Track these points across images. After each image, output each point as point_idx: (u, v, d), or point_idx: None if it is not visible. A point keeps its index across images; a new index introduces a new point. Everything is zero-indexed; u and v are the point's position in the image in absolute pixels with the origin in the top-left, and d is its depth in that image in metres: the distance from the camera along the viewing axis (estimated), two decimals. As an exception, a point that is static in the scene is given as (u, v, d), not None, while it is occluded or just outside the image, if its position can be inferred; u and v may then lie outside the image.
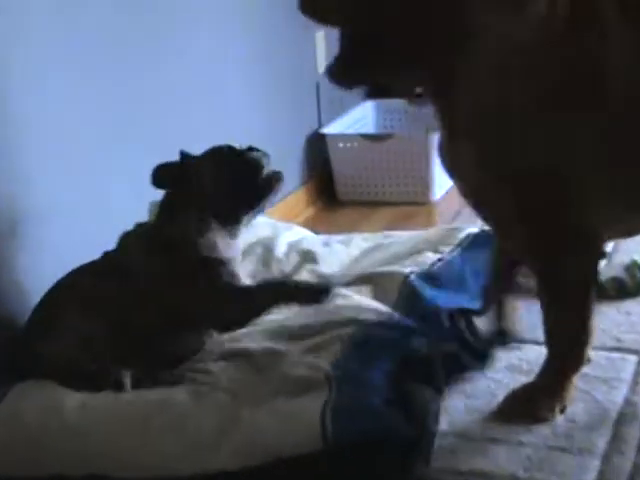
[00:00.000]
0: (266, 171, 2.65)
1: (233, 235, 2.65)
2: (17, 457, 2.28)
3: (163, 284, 2.53)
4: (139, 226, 2.67)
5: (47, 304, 2.56)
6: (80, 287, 2.54)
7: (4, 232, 2.64)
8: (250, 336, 2.66)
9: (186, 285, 2.53)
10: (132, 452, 2.22)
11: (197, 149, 3.32)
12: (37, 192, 2.73)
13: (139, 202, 2.93)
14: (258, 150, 2.69)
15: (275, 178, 2.66)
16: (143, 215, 2.81)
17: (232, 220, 2.64)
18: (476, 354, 2.65)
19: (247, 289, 2.60)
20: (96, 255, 2.60)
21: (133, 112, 3.10)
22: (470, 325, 2.71)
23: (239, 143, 2.69)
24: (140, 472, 2.21)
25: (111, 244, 2.61)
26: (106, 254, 2.63)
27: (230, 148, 2.68)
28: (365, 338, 2.52)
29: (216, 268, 2.56)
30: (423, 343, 2.53)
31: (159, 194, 2.63)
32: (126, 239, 2.64)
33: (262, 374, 2.44)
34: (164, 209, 2.64)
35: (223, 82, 3.54)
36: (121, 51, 3.03)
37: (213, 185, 2.61)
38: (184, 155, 2.66)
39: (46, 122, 2.73)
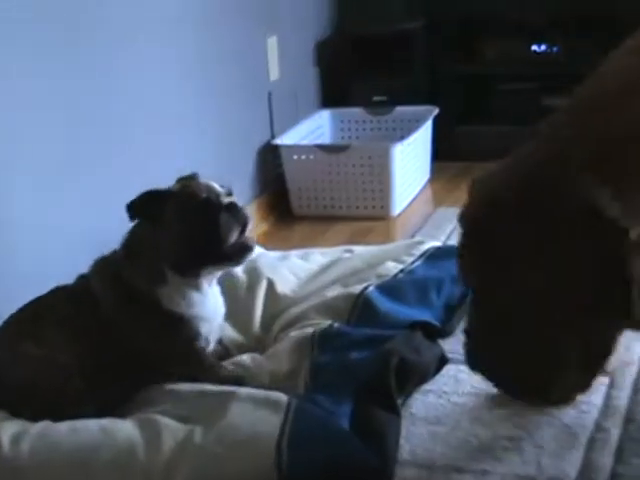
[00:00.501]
0: (238, 238, 2.51)
1: (199, 289, 2.55)
2: None
3: (124, 326, 2.50)
4: (111, 255, 2.59)
5: (18, 322, 2.54)
6: (54, 310, 2.52)
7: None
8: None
9: (144, 333, 2.51)
10: None
11: (150, 156, 3.38)
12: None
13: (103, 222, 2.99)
14: (235, 207, 2.52)
15: (245, 247, 2.54)
16: (106, 237, 2.74)
17: (190, 274, 2.53)
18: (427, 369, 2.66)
19: (199, 359, 2.54)
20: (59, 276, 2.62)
21: (91, 120, 3.13)
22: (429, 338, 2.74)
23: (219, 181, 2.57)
24: None
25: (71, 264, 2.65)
26: (80, 278, 2.62)
27: (207, 197, 2.50)
28: (325, 363, 2.54)
29: (174, 324, 2.51)
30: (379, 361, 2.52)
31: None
32: (96, 268, 2.59)
33: (216, 397, 2.41)
34: (127, 246, 2.55)
35: (173, 90, 3.53)
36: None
37: (174, 234, 2.48)
38: (155, 191, 2.51)
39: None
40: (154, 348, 2.51)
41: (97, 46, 3.14)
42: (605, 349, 1.96)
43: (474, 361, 2.08)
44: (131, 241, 2.54)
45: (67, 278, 2.63)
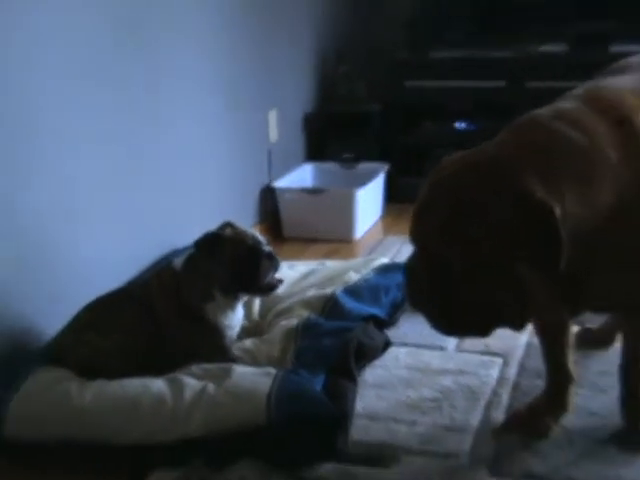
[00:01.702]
0: (270, 278, 2.58)
1: (233, 307, 2.59)
2: (37, 424, 2.27)
3: (173, 328, 2.53)
4: (171, 270, 2.60)
5: (87, 313, 2.54)
6: (117, 308, 2.54)
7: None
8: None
9: (188, 335, 2.53)
10: (125, 425, 2.22)
11: (178, 189, 3.30)
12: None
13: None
14: (272, 256, 2.57)
15: (274, 286, 2.61)
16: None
17: (232, 297, 2.56)
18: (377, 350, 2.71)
19: (225, 353, 2.55)
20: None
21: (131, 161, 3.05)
22: (378, 328, 2.80)
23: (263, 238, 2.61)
24: (132, 440, 2.21)
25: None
26: (142, 283, 2.66)
27: (253, 244, 2.54)
28: (305, 347, 2.56)
29: (212, 330, 2.54)
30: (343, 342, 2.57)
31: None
32: (159, 280, 2.59)
33: (224, 366, 2.43)
34: (187, 269, 2.56)
35: (203, 146, 3.50)
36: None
37: (227, 268, 2.50)
38: (215, 233, 2.53)
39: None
40: (194, 346, 2.52)
41: (158, 109, 3.13)
42: (537, 296, 1.88)
43: (414, 301, 1.93)
44: (191, 266, 2.54)
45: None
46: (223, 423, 2.19)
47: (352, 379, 2.45)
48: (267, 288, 2.59)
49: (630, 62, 2.33)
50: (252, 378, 2.31)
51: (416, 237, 1.87)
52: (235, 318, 2.62)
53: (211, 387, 2.29)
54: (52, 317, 2.59)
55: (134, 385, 2.33)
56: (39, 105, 2.55)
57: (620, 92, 2.02)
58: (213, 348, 2.54)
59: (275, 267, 2.58)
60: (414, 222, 1.87)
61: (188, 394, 2.27)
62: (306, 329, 2.67)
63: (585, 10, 4.40)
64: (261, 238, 2.58)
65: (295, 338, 2.63)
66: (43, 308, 2.62)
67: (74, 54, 2.69)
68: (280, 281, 2.62)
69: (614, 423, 2.27)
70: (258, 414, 2.18)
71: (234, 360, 2.51)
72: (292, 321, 2.73)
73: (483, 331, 1.89)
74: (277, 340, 2.65)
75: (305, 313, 2.79)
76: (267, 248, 2.56)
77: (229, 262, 2.50)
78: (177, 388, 2.29)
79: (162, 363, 2.46)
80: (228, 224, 2.58)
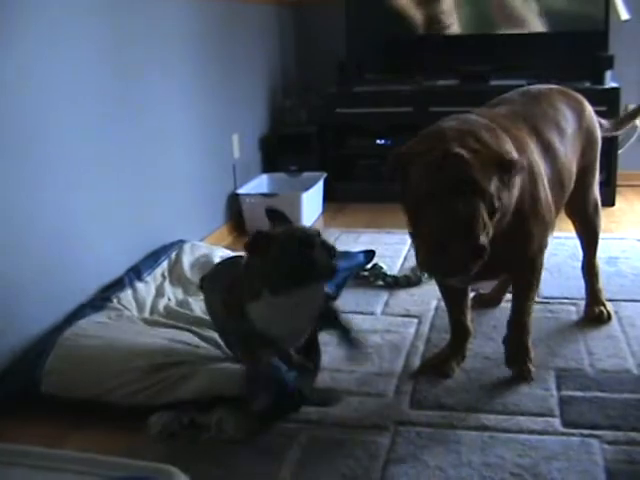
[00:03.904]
0: (327, 263, 1.91)
1: (280, 310, 1.97)
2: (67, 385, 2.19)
3: (224, 317, 2.15)
4: (232, 261, 2.29)
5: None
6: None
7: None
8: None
9: (231, 326, 2.11)
10: (125, 382, 2.15)
11: (163, 200, 3.23)
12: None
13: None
14: (326, 245, 1.93)
15: (334, 268, 1.93)
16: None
17: (283, 296, 1.94)
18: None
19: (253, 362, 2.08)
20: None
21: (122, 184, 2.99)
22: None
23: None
24: (130, 400, 2.14)
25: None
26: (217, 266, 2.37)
27: (303, 236, 1.92)
28: None
29: (249, 324, 1.99)
30: None
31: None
32: (225, 275, 2.20)
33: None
34: (245, 267, 2.02)
35: (182, 165, 3.47)
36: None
37: (279, 264, 1.91)
38: (263, 232, 1.94)
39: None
40: (234, 335, 2.13)
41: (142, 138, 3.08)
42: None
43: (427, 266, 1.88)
44: (247, 266, 2.00)
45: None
46: (208, 390, 2.09)
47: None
48: (328, 271, 1.92)
49: (505, 97, 2.40)
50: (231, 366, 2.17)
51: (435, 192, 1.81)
52: (284, 325, 2.00)
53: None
54: (43, 314, 2.43)
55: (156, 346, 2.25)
56: (32, 112, 2.40)
57: (493, 115, 2.14)
58: (245, 353, 2.12)
59: (330, 254, 1.91)
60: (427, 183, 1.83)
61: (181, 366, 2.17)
62: None
63: (471, 55, 4.50)
64: (312, 229, 2.00)
65: None
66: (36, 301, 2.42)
67: (61, 73, 2.59)
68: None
69: (502, 364, 2.31)
70: (236, 386, 2.07)
71: (258, 373, 2.06)
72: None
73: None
74: None
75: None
76: (319, 239, 1.92)
77: (281, 258, 1.90)
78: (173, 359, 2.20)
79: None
80: (279, 218, 2.06)
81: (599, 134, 2.53)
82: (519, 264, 2.16)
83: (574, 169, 2.37)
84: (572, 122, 2.38)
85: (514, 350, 2.28)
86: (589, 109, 2.51)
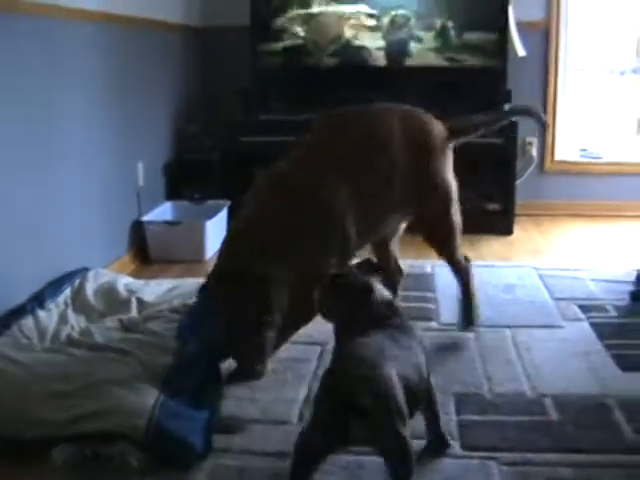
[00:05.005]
0: (380, 308, 1.95)
1: None
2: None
3: None
4: None
5: None
6: None
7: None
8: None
9: None
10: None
11: (67, 226, 3.20)
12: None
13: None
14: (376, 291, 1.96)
15: (385, 315, 1.96)
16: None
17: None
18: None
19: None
20: None
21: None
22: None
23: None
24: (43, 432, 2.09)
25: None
26: None
27: (359, 285, 1.96)
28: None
29: None
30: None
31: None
32: None
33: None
34: None
35: (87, 191, 3.44)
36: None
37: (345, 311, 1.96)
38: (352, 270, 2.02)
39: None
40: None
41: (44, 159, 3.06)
42: None
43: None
44: None
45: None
46: (112, 423, 2.06)
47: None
48: (380, 318, 1.93)
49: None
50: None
51: None
52: None
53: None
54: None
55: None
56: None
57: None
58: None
59: (382, 299, 1.96)
60: None
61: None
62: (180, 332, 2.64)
63: (363, 86, 4.56)
64: (365, 277, 1.98)
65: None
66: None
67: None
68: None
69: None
70: (142, 422, 2.05)
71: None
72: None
73: None
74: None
75: (174, 316, 2.79)
76: (373, 285, 1.96)
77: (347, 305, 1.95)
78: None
79: None
80: (360, 266, 2.05)
81: (433, 144, 2.71)
82: None
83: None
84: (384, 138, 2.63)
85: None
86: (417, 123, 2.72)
